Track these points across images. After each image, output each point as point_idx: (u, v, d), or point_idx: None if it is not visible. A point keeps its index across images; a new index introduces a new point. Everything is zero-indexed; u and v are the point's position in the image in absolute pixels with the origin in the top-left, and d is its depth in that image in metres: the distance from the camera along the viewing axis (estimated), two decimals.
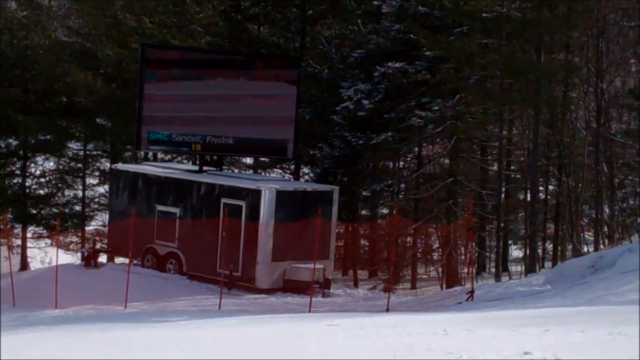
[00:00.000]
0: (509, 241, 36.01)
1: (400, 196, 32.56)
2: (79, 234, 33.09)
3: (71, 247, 33.74)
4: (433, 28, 29.41)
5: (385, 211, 33.36)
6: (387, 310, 21.29)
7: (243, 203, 24.93)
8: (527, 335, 12.07)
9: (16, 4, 37.06)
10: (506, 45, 29.13)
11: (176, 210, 26.27)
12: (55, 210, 33.89)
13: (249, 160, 36.22)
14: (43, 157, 34.89)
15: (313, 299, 22.23)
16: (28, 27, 33.36)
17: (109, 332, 16.13)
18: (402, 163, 34.42)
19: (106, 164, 34.79)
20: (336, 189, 26.43)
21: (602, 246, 31.35)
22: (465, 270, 30.20)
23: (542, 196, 34.29)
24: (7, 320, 20.46)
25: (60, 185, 34.63)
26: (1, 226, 30.11)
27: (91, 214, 35.14)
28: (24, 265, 32.96)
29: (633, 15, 32.67)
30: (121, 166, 29.14)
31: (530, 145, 31.35)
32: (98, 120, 34.98)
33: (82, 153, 34.95)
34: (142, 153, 32.13)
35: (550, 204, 34.95)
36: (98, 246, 28.39)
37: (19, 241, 33.11)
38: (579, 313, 15.32)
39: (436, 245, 32.01)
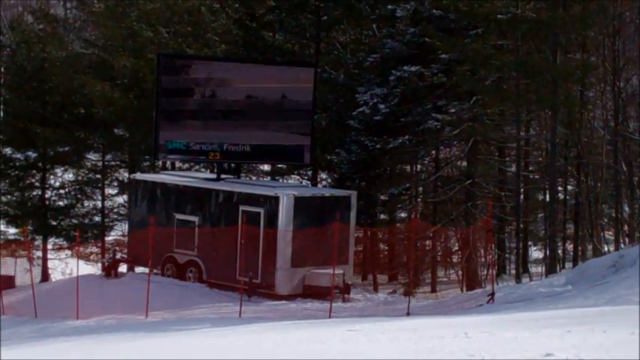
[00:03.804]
0: (529, 242, 35.93)
1: (418, 200, 32.54)
2: (99, 244, 33.22)
3: (91, 257, 33.86)
4: (448, 31, 29.39)
5: (404, 214, 33.33)
6: (408, 314, 21.25)
7: (261, 210, 24.97)
8: (549, 336, 12.02)
9: (33, 17, 37.33)
10: (522, 46, 29.07)
11: (195, 218, 26.33)
12: (74, 221, 34.06)
13: (266, 167, 36.28)
14: (62, 168, 35.06)
15: (333, 304, 22.24)
16: (45, 40, 33.57)
17: (131, 342, 16.18)
18: (419, 167, 34.40)
19: (124, 174, 34.93)
20: (354, 194, 26.43)
21: (622, 245, 31.21)
22: (485, 272, 30.16)
23: (561, 196, 34.22)
24: (29, 332, 20.59)
25: (79, 196, 34.80)
26: (22, 239, 30.29)
27: (111, 224, 35.29)
28: (45, 276, 33.12)
29: None
30: (139, 175, 29.24)
31: (548, 145, 31.27)
32: (116, 130, 35.16)
33: (100, 164, 35.11)
34: (160, 162, 32.25)
35: (569, 204, 34.86)
36: (118, 256, 28.47)
37: (39, 253, 33.29)
38: (601, 314, 15.24)
39: (455, 248, 31.94)
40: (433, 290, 30.17)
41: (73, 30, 37.45)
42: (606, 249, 31.73)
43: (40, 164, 34.05)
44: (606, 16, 31.50)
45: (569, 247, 35.23)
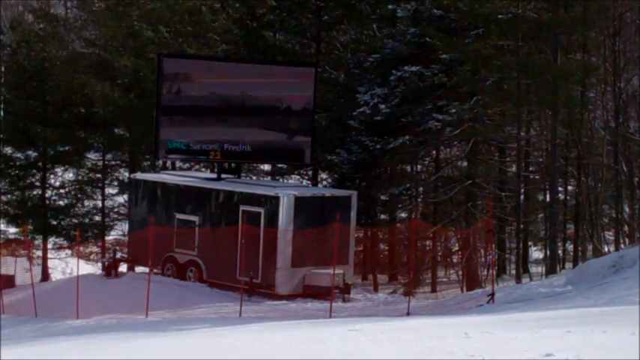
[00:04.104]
0: (529, 243, 35.92)
1: (419, 200, 32.54)
2: (100, 244, 33.23)
3: (92, 257, 33.88)
4: (449, 31, 29.39)
5: (404, 214, 33.33)
6: (408, 314, 21.25)
7: (261, 210, 24.97)
8: (549, 337, 12.02)
9: (33, 16, 37.33)
10: (523, 46, 29.07)
11: (195, 218, 26.33)
12: (75, 220, 34.04)
13: (267, 167, 36.27)
14: (62, 168, 35.06)
15: (333, 304, 22.23)
16: (45, 39, 33.56)
17: (131, 341, 16.18)
18: (419, 167, 34.39)
19: (124, 174, 34.93)
20: (354, 194, 26.43)
21: (622, 245, 31.21)
22: (485, 272, 30.16)
23: (561, 196, 34.22)
24: (29, 331, 20.59)
25: (79, 196, 34.80)
26: (22, 238, 30.28)
27: (111, 224, 35.28)
28: (45, 276, 33.11)
29: None
30: (139, 175, 29.24)
31: (549, 145, 31.27)
32: (116, 130, 35.15)
33: (100, 163, 35.11)
34: (161, 162, 32.25)
35: (569, 204, 34.86)
36: (118, 256, 28.46)
37: (39, 253, 33.27)
38: (601, 314, 15.25)
39: (456, 248, 31.94)
40: (433, 290, 30.17)
41: (74, 29, 37.39)
42: (606, 249, 31.71)
43: (41, 164, 34.04)
44: (607, 16, 31.50)
45: (570, 247, 35.23)
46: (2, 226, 34.51)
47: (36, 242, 33.12)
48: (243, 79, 27.69)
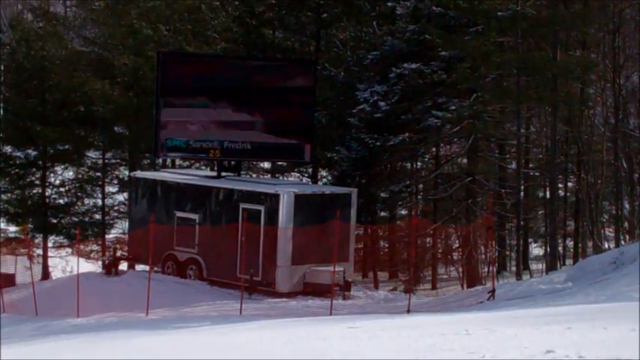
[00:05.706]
0: (530, 239, 35.94)
1: (419, 197, 32.54)
2: (100, 242, 33.21)
3: (92, 255, 33.85)
4: (448, 28, 29.39)
5: (404, 212, 33.32)
6: (408, 311, 21.26)
7: (261, 208, 24.96)
8: (550, 333, 12.03)
9: (32, 15, 37.34)
10: (522, 43, 29.07)
11: (195, 216, 26.33)
12: (75, 219, 34.05)
13: (266, 165, 36.27)
14: (62, 166, 35.07)
15: (334, 302, 22.24)
16: (45, 38, 33.57)
17: (132, 340, 16.19)
18: (419, 164, 34.39)
19: (124, 172, 34.93)
20: (354, 191, 26.43)
21: (623, 242, 31.22)
22: (486, 269, 30.19)
23: (561, 193, 34.24)
24: (30, 330, 20.60)
25: (79, 194, 34.80)
26: (22, 236, 30.28)
27: (111, 222, 35.28)
28: (45, 274, 33.12)
29: None
30: (139, 173, 29.22)
31: (549, 142, 31.29)
32: (116, 128, 35.14)
33: (100, 162, 35.11)
34: (160, 160, 32.24)
35: (570, 201, 34.89)
36: (119, 254, 28.46)
37: (40, 251, 33.28)
38: (602, 310, 15.27)
39: (456, 245, 31.94)
40: (434, 287, 30.17)
41: (73, 28, 37.37)
42: (606, 246, 31.75)
43: (41, 162, 34.04)
44: (606, 13, 31.52)
45: (570, 244, 35.25)
46: (2, 224, 34.52)
47: (36, 241, 33.12)
48: (243, 77, 27.67)
